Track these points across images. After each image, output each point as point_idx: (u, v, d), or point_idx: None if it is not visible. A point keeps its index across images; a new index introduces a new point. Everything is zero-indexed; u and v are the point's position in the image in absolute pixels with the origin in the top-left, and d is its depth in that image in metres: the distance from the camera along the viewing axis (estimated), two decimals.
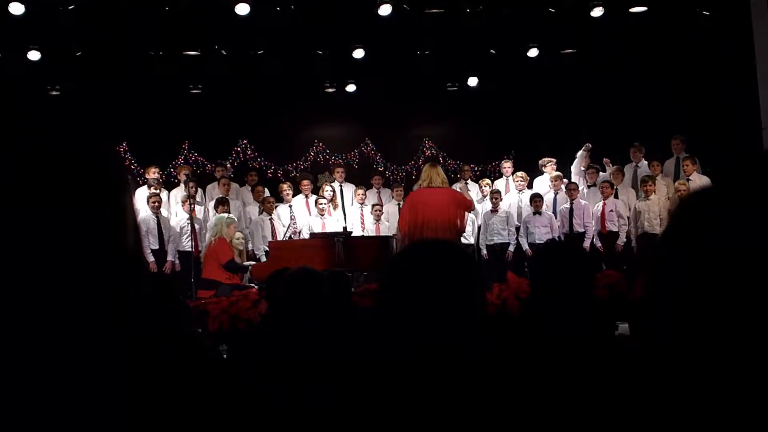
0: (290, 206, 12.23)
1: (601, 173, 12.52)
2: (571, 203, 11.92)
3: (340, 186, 13.16)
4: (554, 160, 12.95)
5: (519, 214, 12.41)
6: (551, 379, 2.13)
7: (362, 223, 12.40)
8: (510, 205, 12.51)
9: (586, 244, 11.69)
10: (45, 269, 1.10)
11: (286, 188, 12.45)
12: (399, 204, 12.67)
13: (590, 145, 12.68)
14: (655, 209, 11.46)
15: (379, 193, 13.40)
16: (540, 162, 13.06)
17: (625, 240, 11.74)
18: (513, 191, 12.86)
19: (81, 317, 1.10)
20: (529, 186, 12.83)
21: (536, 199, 12.03)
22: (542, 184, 12.80)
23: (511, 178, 13.09)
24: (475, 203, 11.91)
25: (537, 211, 11.94)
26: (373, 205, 12.52)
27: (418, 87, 14.23)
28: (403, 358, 1.94)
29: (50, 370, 1.09)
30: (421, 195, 9.96)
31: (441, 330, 1.95)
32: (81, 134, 1.19)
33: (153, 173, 12.24)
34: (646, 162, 12.58)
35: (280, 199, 12.48)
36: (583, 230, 11.76)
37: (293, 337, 3.66)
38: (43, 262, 1.10)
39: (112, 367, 1.11)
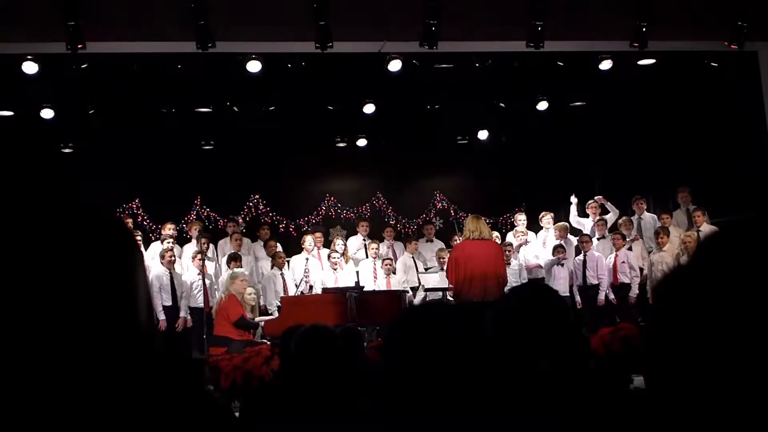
0: (307, 259, 12.15)
1: (605, 216, 12.58)
2: (585, 255, 11.87)
3: (363, 240, 13.10)
4: (551, 214, 13.00)
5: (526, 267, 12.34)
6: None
7: (375, 277, 12.33)
8: (523, 257, 12.46)
9: (601, 296, 11.64)
10: (54, 342, 1.08)
11: (309, 239, 12.44)
12: (413, 256, 12.64)
13: (601, 197, 12.75)
14: (668, 260, 11.42)
15: (392, 246, 13.33)
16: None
17: (637, 292, 11.67)
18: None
19: (91, 387, 1.09)
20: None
21: (558, 251, 11.99)
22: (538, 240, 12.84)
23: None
24: None
25: (559, 263, 11.91)
26: (384, 260, 12.45)
27: (428, 141, 14.30)
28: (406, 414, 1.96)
29: None
30: (469, 248, 10.15)
31: (443, 389, 1.96)
32: (89, 203, 1.17)
33: (169, 229, 12.25)
34: (649, 214, 12.59)
35: (295, 252, 12.46)
36: (597, 282, 11.70)
37: (306, 394, 3.63)
38: (51, 336, 1.08)
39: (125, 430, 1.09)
